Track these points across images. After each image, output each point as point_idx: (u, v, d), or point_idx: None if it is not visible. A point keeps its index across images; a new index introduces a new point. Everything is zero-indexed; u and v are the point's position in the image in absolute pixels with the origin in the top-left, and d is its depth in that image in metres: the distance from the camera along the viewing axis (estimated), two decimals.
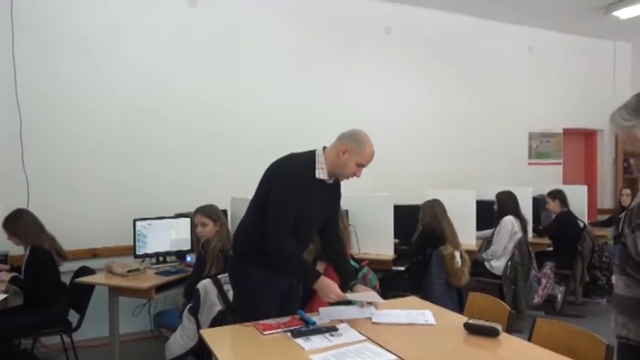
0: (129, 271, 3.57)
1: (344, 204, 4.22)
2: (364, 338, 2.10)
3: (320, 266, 3.27)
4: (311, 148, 2.47)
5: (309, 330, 2.16)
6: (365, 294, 2.56)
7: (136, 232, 3.90)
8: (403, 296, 2.86)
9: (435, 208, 4.13)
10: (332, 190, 2.53)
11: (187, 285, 3.20)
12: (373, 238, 4.20)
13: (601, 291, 5.03)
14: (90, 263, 3.89)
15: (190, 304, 2.93)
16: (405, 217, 4.42)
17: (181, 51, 4.58)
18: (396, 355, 1.91)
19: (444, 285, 3.88)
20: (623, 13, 5.90)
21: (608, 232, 5.66)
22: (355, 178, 2.48)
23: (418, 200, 4.38)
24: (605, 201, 7.42)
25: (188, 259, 3.93)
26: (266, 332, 2.16)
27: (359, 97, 5.40)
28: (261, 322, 2.27)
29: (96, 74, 4.26)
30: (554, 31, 6.80)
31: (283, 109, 4.98)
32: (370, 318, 2.38)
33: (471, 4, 5.79)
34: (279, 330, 2.19)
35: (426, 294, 3.75)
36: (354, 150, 2.38)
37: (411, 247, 4.26)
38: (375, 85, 5.53)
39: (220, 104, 4.73)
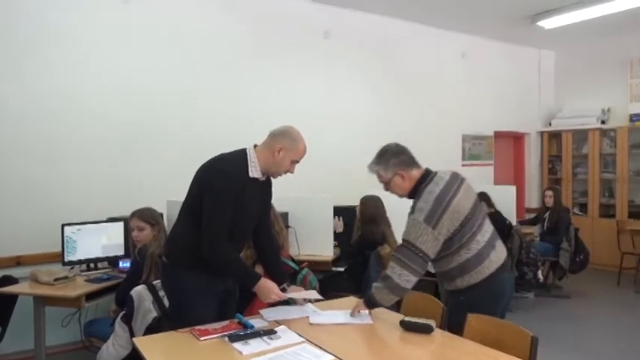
0: (56, 280, 3.38)
1: (284, 206, 4.24)
2: (303, 340, 2.10)
3: (259, 269, 3.23)
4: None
5: (247, 334, 2.14)
6: (303, 292, 2.57)
7: (65, 238, 3.70)
8: (343, 296, 2.89)
9: (376, 207, 4.18)
10: (265, 188, 2.53)
11: (119, 291, 3.08)
12: (313, 239, 4.21)
13: (528, 285, 5.30)
14: (14, 272, 3.66)
15: (123, 312, 2.82)
16: (345, 218, 4.47)
17: (113, 48, 4.40)
18: (333, 355, 1.93)
19: None
20: (548, 23, 6.26)
21: (535, 230, 5.98)
22: (290, 174, 2.48)
23: (358, 202, 4.43)
24: (533, 200, 7.84)
25: (121, 265, 3.78)
26: (203, 338, 2.12)
27: (299, 98, 5.41)
28: (197, 327, 2.22)
29: (18, 74, 4.00)
30: (486, 39, 7.12)
31: (221, 109, 4.90)
32: (308, 318, 2.39)
33: (407, 10, 5.95)
34: (216, 335, 2.15)
35: (366, 294, 3.80)
36: (288, 148, 2.37)
37: (351, 248, 4.30)
38: (315, 87, 5.56)
39: (155, 103, 4.58)
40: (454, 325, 2.29)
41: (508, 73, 7.46)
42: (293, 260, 3.56)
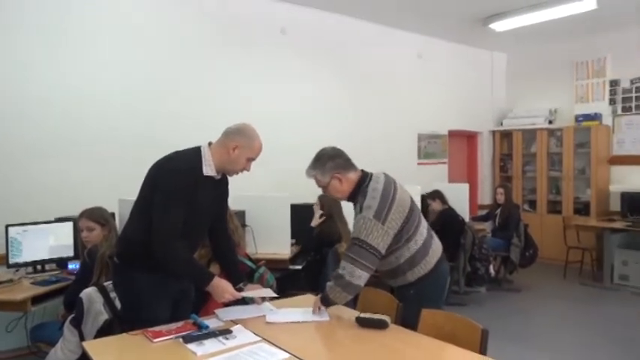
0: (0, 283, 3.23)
1: (241, 204, 4.20)
2: (259, 339, 2.09)
3: (214, 268, 3.19)
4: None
5: (202, 334, 2.10)
6: (258, 291, 2.56)
7: (9, 239, 3.54)
8: (301, 294, 2.89)
9: (332, 205, 4.21)
10: (220, 187, 2.50)
11: (68, 294, 2.97)
12: (270, 237, 4.19)
13: (481, 280, 5.46)
14: None
15: (72, 315, 2.72)
16: (302, 216, 4.47)
17: (60, 46, 4.21)
18: (289, 353, 1.93)
19: None
20: (499, 26, 6.46)
21: (487, 226, 6.17)
22: (246, 172, 2.46)
23: (315, 200, 4.44)
24: (485, 197, 8.08)
25: (70, 266, 3.65)
26: (156, 340, 2.07)
27: (255, 95, 5.36)
28: (150, 329, 2.16)
29: None
30: (441, 40, 7.28)
31: (174, 106, 4.79)
32: (264, 317, 2.38)
33: (365, 10, 6.00)
34: (170, 336, 2.10)
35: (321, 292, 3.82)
36: (244, 145, 2.35)
37: (308, 243, 4.31)
38: (271, 84, 5.52)
39: (106, 99, 4.43)
40: (407, 320, 2.33)
41: (462, 73, 7.65)
42: (250, 259, 3.53)
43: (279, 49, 5.60)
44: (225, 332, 2.13)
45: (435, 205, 5.51)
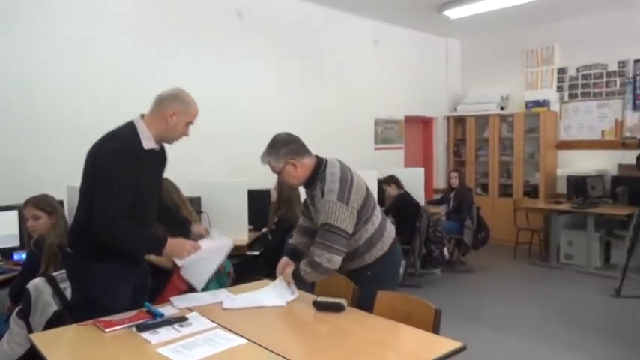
0: None
1: (196, 191, 4.12)
2: (215, 325, 2.07)
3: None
4: None
5: (156, 322, 2.07)
6: (218, 241, 2.66)
7: None
8: (258, 280, 2.88)
9: (291, 190, 4.18)
10: (162, 158, 2.48)
11: (14, 285, 2.85)
12: (227, 224, 4.13)
13: (435, 262, 5.61)
14: None
15: (19, 307, 2.61)
16: (260, 202, 4.44)
17: (4, 24, 3.99)
18: (247, 338, 1.92)
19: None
20: (453, 13, 6.56)
21: (442, 209, 6.32)
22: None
23: (272, 185, 4.42)
24: (440, 182, 8.27)
25: (16, 257, 3.50)
26: (108, 329, 2.02)
27: (211, 80, 5.25)
28: (102, 319, 2.11)
29: None
30: (397, 26, 7.33)
31: (128, 89, 4.62)
32: (221, 304, 2.36)
33: None
34: (122, 326, 2.06)
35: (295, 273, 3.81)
36: (182, 111, 2.31)
37: (272, 238, 4.27)
38: (228, 69, 5.42)
39: (55, 81, 4.23)
40: (364, 302, 2.37)
41: (418, 60, 7.74)
42: None
43: (236, 32, 5.49)
44: (180, 319, 2.10)
45: (391, 190, 5.60)
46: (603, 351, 3.72)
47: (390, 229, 2.60)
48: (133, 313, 2.19)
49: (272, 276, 2.87)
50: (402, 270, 5.26)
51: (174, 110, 2.29)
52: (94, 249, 2.22)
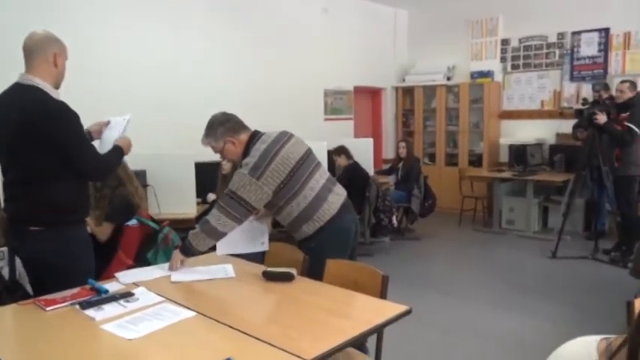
0: None
1: (141, 164, 3.99)
2: (162, 299, 2.04)
3: (108, 227, 3.07)
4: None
5: (100, 299, 2.01)
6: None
7: None
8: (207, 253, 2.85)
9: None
10: None
11: None
12: (174, 197, 4.05)
13: (385, 230, 5.73)
14: None
15: None
16: (208, 174, 4.36)
17: None
18: (195, 311, 1.90)
19: None
20: None
21: (391, 179, 6.43)
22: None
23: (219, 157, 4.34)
24: (389, 152, 8.38)
25: None
26: (49, 308, 1.95)
27: (152, 49, 5.03)
28: (42, 297, 2.03)
29: None
30: None
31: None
32: (169, 278, 2.32)
33: None
34: (65, 304, 1.99)
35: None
36: (61, 50, 2.28)
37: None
38: (171, 37, 5.21)
39: None
40: (313, 271, 2.39)
41: (366, 29, 7.72)
42: (153, 220, 3.41)
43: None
44: (126, 295, 2.06)
45: (341, 161, 5.63)
46: (541, 308, 3.95)
47: (335, 200, 2.55)
48: (75, 290, 2.11)
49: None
50: None
51: (55, 52, 2.24)
52: (68, 218, 2.30)
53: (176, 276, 2.34)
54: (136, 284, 2.23)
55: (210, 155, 4.50)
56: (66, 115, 2.19)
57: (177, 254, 2.45)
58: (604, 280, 4.59)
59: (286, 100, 6.36)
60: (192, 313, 1.89)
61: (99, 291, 2.09)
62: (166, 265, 2.50)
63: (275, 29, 6.29)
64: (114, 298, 2.03)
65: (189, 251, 2.43)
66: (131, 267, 2.90)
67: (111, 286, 2.18)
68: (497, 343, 3.38)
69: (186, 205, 4.11)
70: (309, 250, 2.52)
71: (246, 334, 1.70)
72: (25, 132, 2.15)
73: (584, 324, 3.57)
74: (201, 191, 4.27)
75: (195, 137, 4.38)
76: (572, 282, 4.61)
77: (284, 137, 2.50)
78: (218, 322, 1.81)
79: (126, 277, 2.34)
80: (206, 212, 4.29)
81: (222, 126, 2.53)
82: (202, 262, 2.56)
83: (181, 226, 3.84)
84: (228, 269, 2.42)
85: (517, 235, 6.32)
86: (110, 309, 1.94)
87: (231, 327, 1.75)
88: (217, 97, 5.48)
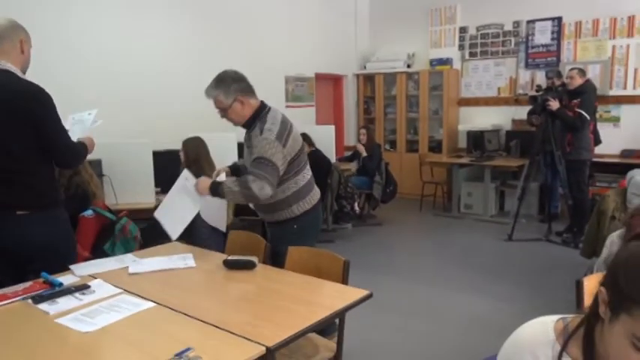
0: None
1: (96, 153, 3.83)
2: (120, 291, 2.00)
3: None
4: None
5: (54, 292, 1.95)
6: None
7: None
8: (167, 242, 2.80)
9: (198, 149, 4.06)
10: None
11: None
12: (132, 187, 3.96)
13: (347, 217, 5.78)
14: None
15: None
16: (167, 163, 4.27)
17: None
18: (154, 302, 1.87)
19: (209, 228, 3.92)
20: None
21: (353, 166, 6.47)
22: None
23: (179, 145, 4.26)
24: (350, 139, 8.42)
25: None
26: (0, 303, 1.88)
27: (107, 34, 4.85)
28: None
29: None
30: None
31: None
32: (127, 269, 2.27)
33: None
34: (16, 298, 1.92)
35: (192, 238, 3.74)
36: (26, 37, 2.31)
37: None
38: (125, 22, 5.03)
39: None
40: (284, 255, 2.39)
41: (328, 16, 7.67)
42: (110, 210, 3.32)
43: None
44: (81, 288, 2.00)
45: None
46: (498, 289, 4.08)
47: (317, 190, 2.68)
48: (27, 284, 2.04)
49: (182, 238, 2.81)
50: None
51: (21, 38, 2.26)
52: (53, 201, 2.35)
53: (134, 267, 2.29)
54: (93, 276, 2.17)
55: (168, 144, 4.45)
56: (45, 98, 2.22)
57: (206, 186, 2.44)
58: (557, 261, 4.78)
59: None
60: (151, 304, 1.86)
61: (52, 284, 2.03)
62: (123, 256, 2.45)
63: (234, 15, 6.17)
64: (69, 291, 1.97)
65: (217, 194, 2.42)
66: (88, 259, 2.82)
67: (66, 279, 2.11)
68: (456, 324, 3.47)
69: (144, 195, 4.03)
70: (289, 231, 2.53)
71: (206, 323, 1.68)
72: (8, 114, 2.16)
73: (539, 303, 3.71)
74: (159, 181, 4.17)
75: (152, 125, 4.33)
76: (527, 263, 4.78)
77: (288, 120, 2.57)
78: (178, 312, 1.78)
79: (81, 269, 2.28)
80: None
81: (236, 83, 2.49)
82: (162, 252, 2.52)
83: (140, 216, 3.77)
84: (188, 259, 2.39)
85: (475, 219, 6.49)
86: (65, 302, 1.88)
87: (191, 316, 1.73)
88: (174, 84, 5.37)
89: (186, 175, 2.61)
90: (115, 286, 2.05)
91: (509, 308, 3.64)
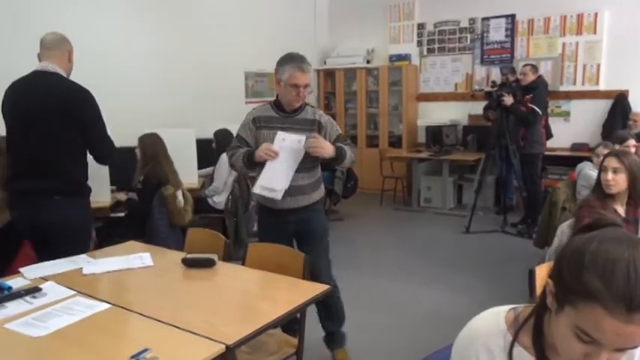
0: None
1: None
2: (74, 293, 1.93)
3: (6, 213, 2.83)
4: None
5: (2, 296, 1.87)
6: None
7: None
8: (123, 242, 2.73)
9: (156, 145, 3.96)
10: None
11: None
12: None
13: None
14: None
15: None
16: (124, 160, 4.14)
17: None
18: (109, 303, 1.82)
19: (168, 226, 3.84)
20: None
21: None
22: None
23: (135, 142, 4.15)
24: None
25: None
26: None
27: (61, 25, 4.67)
28: None
29: None
30: None
31: None
32: (81, 270, 2.20)
33: None
34: None
35: (151, 237, 3.66)
36: (72, 48, 2.74)
37: (139, 198, 4.03)
38: (80, 20, 4.85)
39: None
40: (324, 233, 2.73)
41: (287, 12, 7.63)
42: None
43: None
44: (32, 291, 1.93)
45: None
46: (457, 281, 4.17)
47: None
48: None
49: (139, 238, 2.75)
50: None
51: (69, 49, 2.69)
52: (82, 188, 2.71)
53: (89, 268, 2.22)
54: (44, 279, 2.10)
55: (125, 140, 4.32)
56: (92, 99, 2.61)
57: (329, 144, 2.56)
58: (512, 252, 4.93)
59: (207, 84, 6.17)
60: (107, 305, 1.81)
61: (1, 288, 1.94)
62: (77, 257, 2.36)
63: (191, 11, 6.04)
64: (18, 294, 1.89)
65: (339, 153, 2.57)
66: (39, 261, 2.71)
67: (15, 282, 2.03)
68: (417, 317, 3.53)
69: (99, 194, 3.88)
70: (320, 210, 2.75)
71: (164, 323, 1.65)
72: (59, 111, 2.51)
73: (496, 294, 3.82)
74: (115, 179, 4.05)
75: (108, 122, 4.18)
76: (484, 254, 4.91)
77: None
78: (134, 312, 1.74)
79: (32, 271, 2.19)
80: (122, 202, 4.12)
81: None
82: (118, 252, 2.46)
83: (95, 215, 3.65)
84: (145, 258, 2.33)
85: (434, 213, 6.61)
86: (14, 306, 1.81)
87: (148, 317, 1.70)
88: (130, 81, 5.23)
89: (283, 136, 2.52)
90: (68, 287, 1.98)
91: (468, 299, 3.73)
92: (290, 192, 2.51)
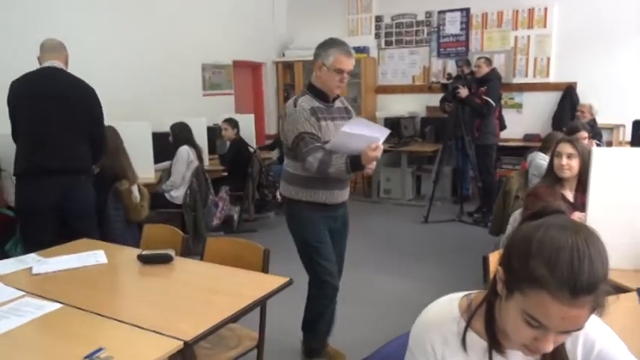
0: None
1: None
2: (22, 294, 1.86)
3: None
4: None
5: None
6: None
7: None
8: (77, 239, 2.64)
9: (115, 136, 3.83)
10: None
11: None
12: None
13: (269, 205, 5.76)
14: None
15: None
16: None
17: None
18: (61, 302, 1.76)
19: (124, 222, 3.74)
20: None
21: (274, 154, 6.45)
22: None
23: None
24: (271, 127, 8.37)
25: None
26: None
27: (22, 16, 4.46)
28: None
29: None
30: None
31: None
32: (31, 270, 2.11)
33: None
34: None
35: (106, 234, 3.55)
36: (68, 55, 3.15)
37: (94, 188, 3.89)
38: (33, 7, 4.64)
39: None
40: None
41: (246, 3, 7.53)
42: (10, 208, 3.07)
43: None
44: None
45: (229, 133, 5.49)
46: (417, 269, 4.26)
47: None
48: None
49: (94, 235, 2.66)
50: (236, 217, 5.30)
51: (66, 55, 3.03)
52: (91, 170, 3.14)
53: (39, 267, 2.14)
54: None
55: None
56: (97, 96, 3.03)
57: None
58: (469, 240, 5.06)
59: (162, 76, 6.02)
60: (58, 305, 1.75)
61: None
62: (26, 256, 2.27)
63: (146, 2, 5.87)
64: None
65: (358, 166, 2.38)
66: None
67: None
68: (378, 307, 3.59)
69: None
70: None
71: (118, 321, 1.61)
72: (75, 99, 2.91)
73: (454, 281, 3.92)
74: None
75: None
76: (442, 243, 5.03)
77: None
78: (87, 311, 1.69)
79: None
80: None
81: None
82: (71, 249, 2.37)
83: None
84: (99, 255, 2.26)
85: (394, 204, 6.71)
86: None
87: (101, 315, 1.65)
88: (85, 72, 5.02)
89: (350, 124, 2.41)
90: (16, 288, 1.90)
91: (427, 288, 3.81)
92: (341, 186, 2.49)
